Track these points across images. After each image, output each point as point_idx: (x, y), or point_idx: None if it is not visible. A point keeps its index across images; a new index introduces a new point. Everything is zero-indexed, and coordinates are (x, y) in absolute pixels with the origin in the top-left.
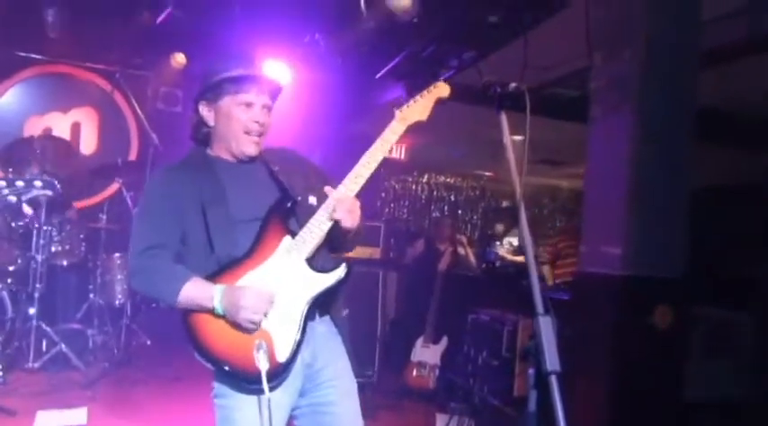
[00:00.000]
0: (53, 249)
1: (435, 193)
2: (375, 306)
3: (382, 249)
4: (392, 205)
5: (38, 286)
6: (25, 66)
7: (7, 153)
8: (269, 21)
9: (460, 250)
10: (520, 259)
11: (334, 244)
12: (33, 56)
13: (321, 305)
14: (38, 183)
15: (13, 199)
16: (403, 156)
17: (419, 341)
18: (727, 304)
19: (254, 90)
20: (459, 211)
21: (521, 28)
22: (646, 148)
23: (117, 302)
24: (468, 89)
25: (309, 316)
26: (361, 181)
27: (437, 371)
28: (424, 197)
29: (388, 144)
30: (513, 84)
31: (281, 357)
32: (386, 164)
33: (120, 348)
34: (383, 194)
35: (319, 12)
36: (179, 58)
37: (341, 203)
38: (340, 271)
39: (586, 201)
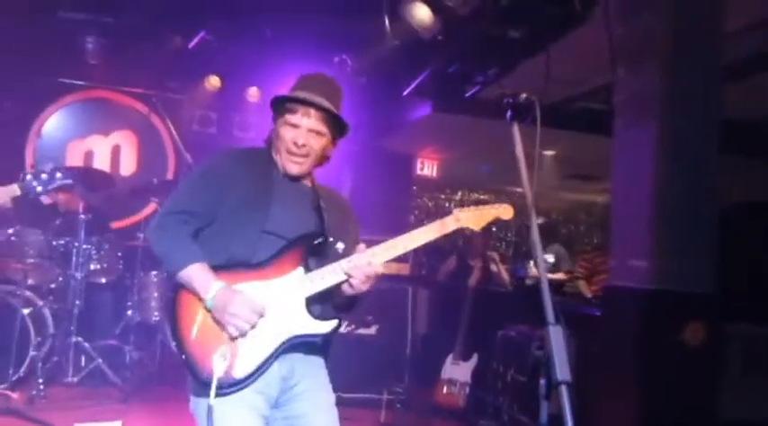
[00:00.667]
0: (91, 267)
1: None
2: (404, 323)
3: (411, 265)
4: (425, 222)
5: (77, 303)
6: (67, 93)
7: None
8: (299, 43)
9: (493, 267)
10: (555, 276)
11: (335, 300)
12: (75, 82)
13: (303, 345)
14: (59, 175)
15: (39, 189)
16: (435, 174)
17: (449, 358)
18: (764, 320)
19: (299, 112)
20: (494, 228)
21: (542, 43)
22: (670, 161)
23: (153, 319)
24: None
25: (288, 350)
26: (392, 255)
27: (467, 389)
28: None
29: (433, 234)
30: (523, 95)
31: (237, 374)
32: (418, 181)
33: (155, 364)
34: (416, 211)
35: (346, 32)
36: (213, 81)
37: (362, 266)
38: (327, 326)
39: (613, 214)
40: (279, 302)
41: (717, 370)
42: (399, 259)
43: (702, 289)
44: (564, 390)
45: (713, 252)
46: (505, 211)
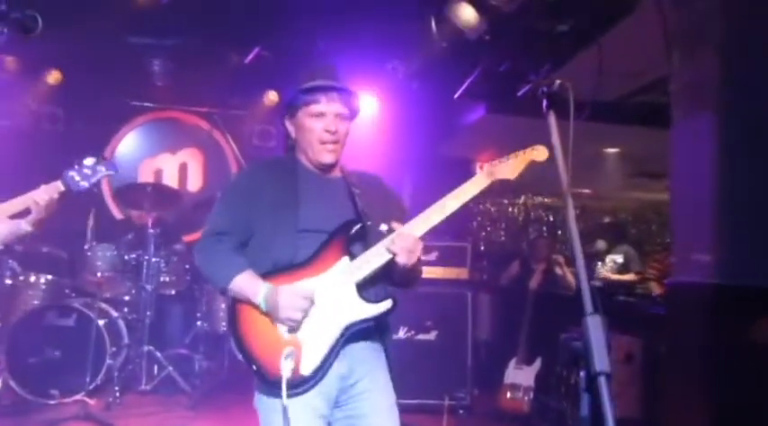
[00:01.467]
0: (161, 279)
1: (532, 215)
2: (465, 328)
3: (470, 269)
4: (488, 228)
5: (148, 313)
6: (137, 114)
7: (122, 193)
8: (351, 53)
9: (557, 269)
10: (625, 277)
11: (392, 279)
12: (144, 104)
13: (363, 331)
14: (101, 168)
15: (84, 184)
16: None
17: (512, 363)
18: None
19: (323, 100)
20: (559, 232)
21: (592, 35)
22: (733, 149)
23: (221, 329)
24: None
25: (349, 340)
26: (430, 225)
27: (531, 393)
28: (521, 219)
29: (466, 195)
30: (557, 82)
31: (305, 370)
32: None
33: (223, 372)
34: (479, 217)
35: (395, 38)
36: (271, 96)
37: (401, 239)
38: (383, 306)
39: (674, 208)
40: (330, 294)
41: None
42: (457, 263)
43: None
44: (603, 381)
45: None
46: (539, 153)
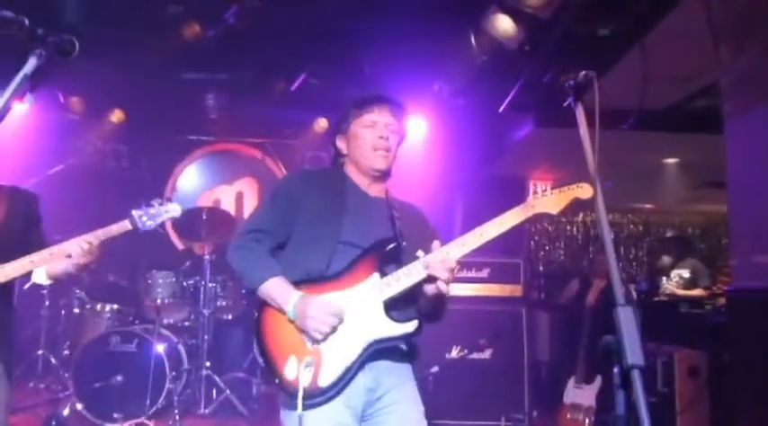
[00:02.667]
0: (218, 304)
1: (592, 232)
2: (520, 346)
3: (523, 286)
4: (546, 247)
5: (206, 338)
6: (195, 148)
7: (181, 220)
8: (397, 76)
9: None
10: (693, 293)
11: (420, 307)
12: (201, 138)
13: (388, 350)
14: (166, 209)
15: (150, 224)
16: None
17: (571, 382)
18: None
19: (375, 109)
20: (622, 249)
21: (635, 36)
22: None
23: None
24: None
25: (372, 356)
26: (467, 250)
27: (593, 414)
28: (580, 237)
29: (505, 225)
30: (582, 73)
31: (323, 382)
32: None
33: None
34: (536, 237)
35: (439, 58)
36: (321, 123)
37: (440, 257)
38: (409, 327)
39: (731, 209)
40: (358, 309)
41: None
42: (510, 280)
43: None
44: (636, 375)
45: None
46: (584, 191)
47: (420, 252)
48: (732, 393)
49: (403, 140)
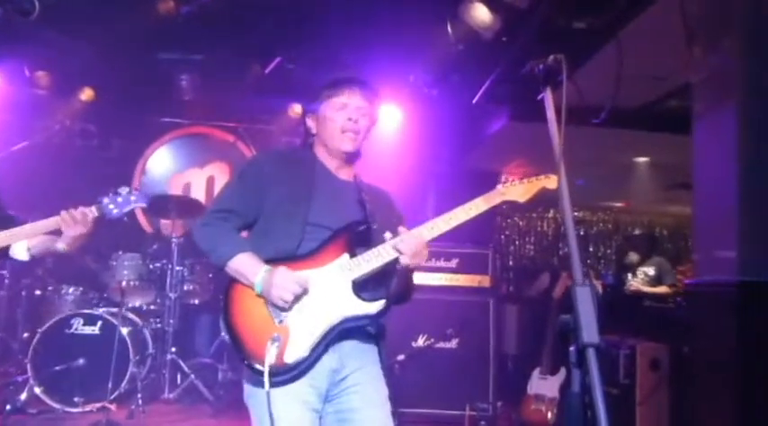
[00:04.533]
0: (185, 288)
1: (563, 229)
2: (487, 336)
3: (492, 277)
4: (517, 242)
5: (171, 322)
6: (168, 130)
7: (150, 205)
8: (373, 65)
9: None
10: (658, 290)
11: (388, 288)
12: (174, 120)
13: (355, 329)
14: (134, 198)
15: (117, 212)
16: None
17: (536, 373)
18: None
19: (345, 92)
20: (591, 246)
21: (611, 30)
22: (756, 140)
23: None
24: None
25: (340, 335)
26: (436, 233)
27: (556, 404)
28: (550, 233)
29: (476, 210)
30: (551, 57)
31: (289, 358)
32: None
33: None
34: (506, 231)
35: (416, 48)
36: (296, 109)
37: (411, 239)
38: (377, 305)
39: (696, 205)
40: (327, 287)
41: None
42: (478, 270)
43: None
44: (591, 353)
45: None
46: (551, 181)
47: (388, 234)
48: (690, 385)
49: (374, 124)
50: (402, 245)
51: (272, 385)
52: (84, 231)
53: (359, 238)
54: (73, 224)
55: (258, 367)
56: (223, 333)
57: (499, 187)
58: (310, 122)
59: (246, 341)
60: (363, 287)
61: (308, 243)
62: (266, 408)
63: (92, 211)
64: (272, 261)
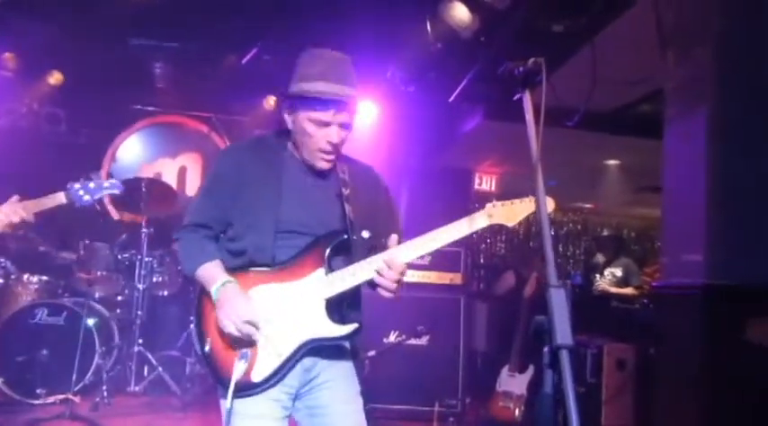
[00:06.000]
0: (154, 279)
1: (534, 228)
2: (457, 334)
3: (463, 275)
4: (489, 240)
5: (139, 313)
6: (139, 118)
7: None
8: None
9: None
10: (624, 291)
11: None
12: (146, 108)
13: (326, 349)
14: (106, 184)
15: (88, 199)
16: (494, 189)
17: (504, 370)
18: None
19: (332, 110)
20: (560, 246)
21: (588, 33)
22: (725, 148)
23: None
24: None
25: (308, 354)
26: (418, 254)
27: (523, 401)
28: (522, 232)
29: (460, 231)
30: (531, 60)
31: (256, 377)
32: (478, 197)
33: None
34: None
35: (394, 43)
36: (271, 101)
37: (392, 267)
38: (347, 329)
39: (664, 209)
40: (298, 304)
41: None
42: (450, 268)
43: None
44: (564, 355)
45: None
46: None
47: (365, 233)
48: (655, 386)
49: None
50: (383, 273)
51: (237, 397)
52: (22, 219)
53: (337, 250)
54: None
55: (224, 381)
56: (195, 343)
57: (488, 206)
58: (287, 117)
59: (214, 353)
60: (337, 306)
61: (283, 251)
62: (242, 421)
63: (59, 198)
64: (243, 269)
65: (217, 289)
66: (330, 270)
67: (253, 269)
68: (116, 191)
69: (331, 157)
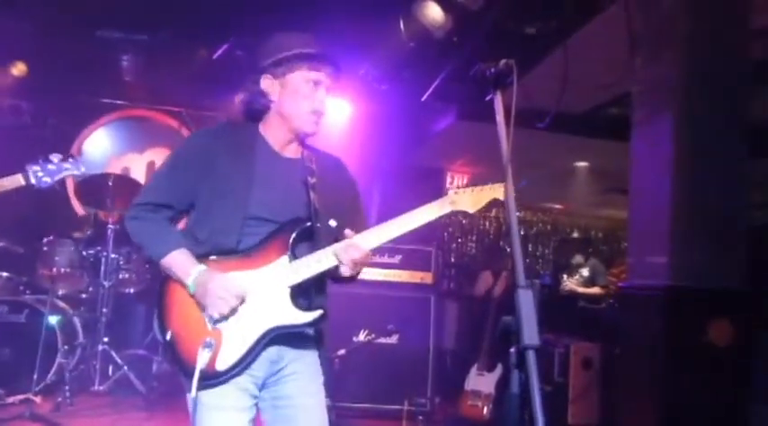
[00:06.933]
0: (120, 276)
1: (504, 228)
2: (427, 333)
3: (434, 274)
4: (459, 240)
5: (104, 310)
6: (106, 111)
7: (85, 185)
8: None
9: None
10: (591, 291)
11: (332, 274)
12: (114, 101)
13: (292, 336)
14: (67, 165)
15: (47, 180)
16: None
17: (473, 369)
18: None
19: (325, 70)
20: (530, 246)
21: (560, 35)
22: (690, 151)
23: None
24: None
25: (274, 341)
26: (382, 240)
27: (492, 400)
28: (492, 232)
29: (425, 217)
30: (502, 61)
31: (220, 366)
32: None
33: None
34: (450, 228)
35: (368, 40)
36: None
37: (353, 250)
38: (312, 316)
39: (631, 210)
40: (262, 292)
41: (747, 375)
42: (420, 267)
43: (728, 286)
44: (531, 355)
45: (741, 246)
46: (501, 191)
47: (333, 222)
48: (620, 384)
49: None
50: (343, 256)
51: (203, 387)
52: None
53: (301, 237)
54: None
55: (189, 370)
56: (156, 333)
57: (450, 194)
58: (269, 85)
59: (179, 343)
60: (301, 293)
61: (248, 238)
62: (210, 414)
63: (17, 180)
64: (207, 256)
65: (195, 279)
66: (294, 257)
67: (217, 256)
68: (77, 173)
69: (320, 121)
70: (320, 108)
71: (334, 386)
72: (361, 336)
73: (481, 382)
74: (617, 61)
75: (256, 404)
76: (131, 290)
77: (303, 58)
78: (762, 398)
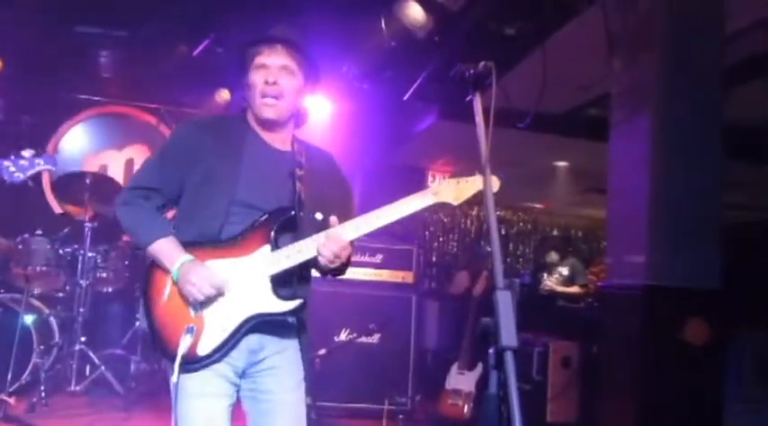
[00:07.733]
0: (98, 275)
1: (485, 227)
2: (408, 332)
3: (415, 273)
4: (441, 239)
5: (81, 310)
6: (84, 108)
7: (62, 183)
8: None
9: None
10: (570, 290)
11: (318, 269)
12: (91, 97)
13: (272, 325)
14: (39, 161)
15: (19, 176)
16: None
17: (454, 368)
18: None
19: (265, 51)
20: (510, 245)
21: (539, 36)
22: (667, 152)
23: None
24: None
25: (252, 329)
26: (362, 232)
27: (472, 399)
28: (473, 230)
29: (407, 209)
30: (482, 63)
31: (202, 351)
32: None
33: (161, 374)
34: (431, 227)
35: (350, 38)
36: (224, 94)
37: (331, 242)
38: (291, 305)
39: (609, 210)
40: (243, 281)
41: (722, 373)
42: (402, 266)
43: (705, 285)
44: (509, 356)
45: (716, 246)
46: (482, 181)
47: (319, 215)
48: (598, 383)
49: (310, 82)
50: (321, 248)
51: (184, 371)
52: None
53: (284, 227)
54: None
55: (171, 355)
56: (140, 317)
57: (434, 185)
58: (245, 91)
59: (162, 328)
60: (282, 282)
61: (232, 225)
62: (191, 401)
63: None
64: (191, 245)
65: (179, 269)
66: (276, 247)
67: (201, 244)
68: (50, 167)
69: (271, 101)
70: (265, 90)
71: (315, 385)
72: (343, 335)
73: (462, 381)
74: (596, 62)
75: (237, 392)
76: (109, 289)
77: (245, 51)
78: (737, 396)
